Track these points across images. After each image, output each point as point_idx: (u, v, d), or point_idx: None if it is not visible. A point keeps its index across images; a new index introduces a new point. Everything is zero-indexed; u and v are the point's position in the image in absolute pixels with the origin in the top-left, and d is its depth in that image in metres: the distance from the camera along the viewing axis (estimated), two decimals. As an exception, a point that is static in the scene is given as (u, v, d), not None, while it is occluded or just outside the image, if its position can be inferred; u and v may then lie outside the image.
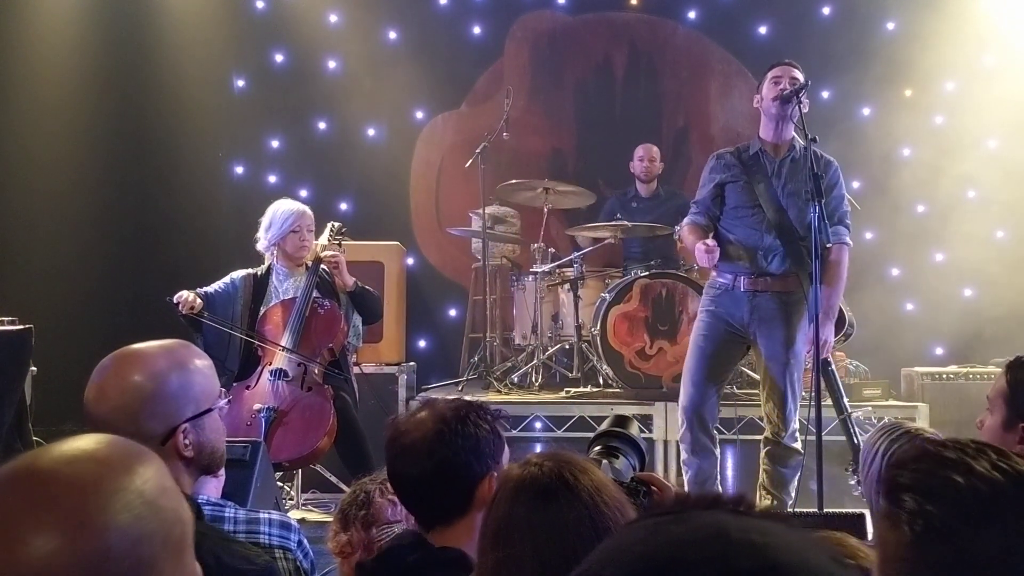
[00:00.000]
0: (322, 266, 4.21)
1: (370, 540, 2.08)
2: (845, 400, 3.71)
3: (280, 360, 4.01)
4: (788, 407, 3.74)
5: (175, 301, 3.96)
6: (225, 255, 6.62)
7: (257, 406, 3.85)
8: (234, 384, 4.03)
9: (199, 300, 3.97)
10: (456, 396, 1.76)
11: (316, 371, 4.05)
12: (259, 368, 4.04)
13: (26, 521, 0.75)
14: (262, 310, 4.16)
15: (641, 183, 5.95)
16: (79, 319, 6.47)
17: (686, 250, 4.13)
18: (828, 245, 3.53)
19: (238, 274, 4.25)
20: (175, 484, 0.88)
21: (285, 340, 4.01)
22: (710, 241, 3.58)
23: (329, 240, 4.30)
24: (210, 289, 4.13)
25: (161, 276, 6.72)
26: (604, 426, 1.85)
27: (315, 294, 4.13)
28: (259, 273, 4.26)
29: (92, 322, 6.50)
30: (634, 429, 1.81)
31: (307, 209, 4.26)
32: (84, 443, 0.86)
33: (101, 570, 0.76)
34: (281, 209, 4.23)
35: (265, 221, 4.25)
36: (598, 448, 1.77)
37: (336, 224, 4.39)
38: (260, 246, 4.28)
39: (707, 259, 3.57)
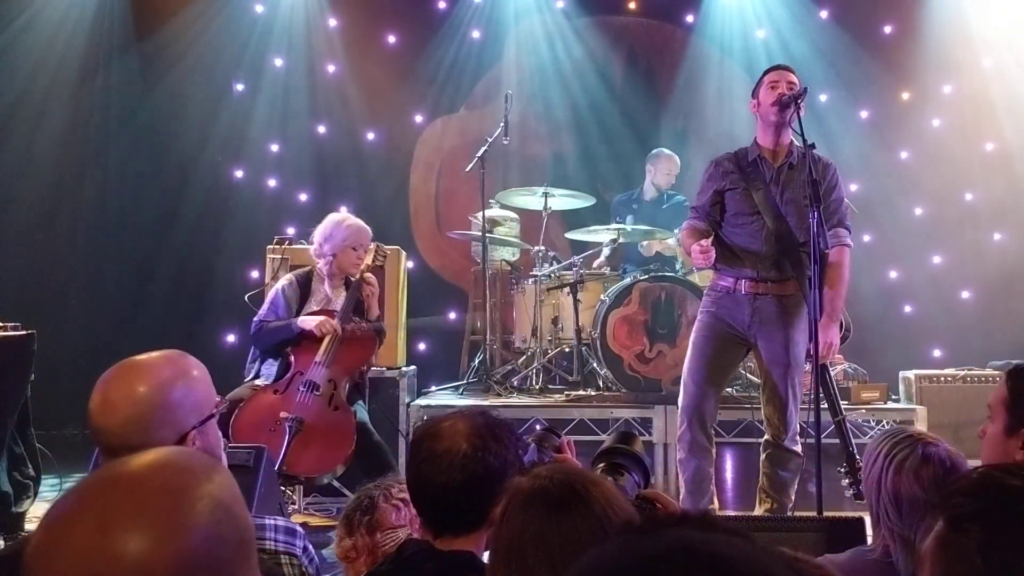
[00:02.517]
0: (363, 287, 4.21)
1: (375, 545, 2.09)
2: (840, 403, 3.73)
3: (313, 372, 3.99)
4: (789, 410, 3.74)
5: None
6: (225, 259, 6.65)
7: (284, 414, 3.83)
8: (262, 384, 4.05)
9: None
10: (485, 410, 1.76)
11: (344, 391, 4.05)
12: (290, 374, 4.04)
13: (123, 523, 0.82)
14: (304, 312, 4.18)
15: (652, 187, 5.94)
16: (79, 324, 6.49)
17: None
18: (826, 250, 3.54)
19: (283, 284, 4.24)
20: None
21: (320, 354, 4.01)
22: (704, 242, 3.58)
23: (373, 260, 4.29)
24: (269, 311, 4.17)
25: (161, 280, 6.76)
26: (608, 443, 1.85)
27: (351, 312, 4.13)
28: (302, 278, 4.27)
29: (92, 327, 6.52)
30: (638, 446, 1.82)
31: (367, 228, 4.28)
32: (166, 454, 0.94)
33: (187, 567, 0.82)
34: (345, 223, 4.23)
35: (324, 230, 4.24)
36: (602, 466, 1.77)
37: (379, 244, 4.38)
38: (313, 252, 4.28)
39: (703, 259, 3.57)
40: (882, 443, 1.90)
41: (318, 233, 4.27)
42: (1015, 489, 1.04)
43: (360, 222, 4.30)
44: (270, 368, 4.16)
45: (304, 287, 4.24)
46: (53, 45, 6.66)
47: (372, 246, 4.32)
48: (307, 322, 4.05)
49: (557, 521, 1.27)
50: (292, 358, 4.09)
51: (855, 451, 3.48)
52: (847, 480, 3.46)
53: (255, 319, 4.20)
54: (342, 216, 4.34)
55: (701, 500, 3.81)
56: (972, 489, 1.07)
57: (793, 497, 3.83)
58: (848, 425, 3.59)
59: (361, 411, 4.12)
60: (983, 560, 0.99)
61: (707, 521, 0.68)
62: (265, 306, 4.23)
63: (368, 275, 4.23)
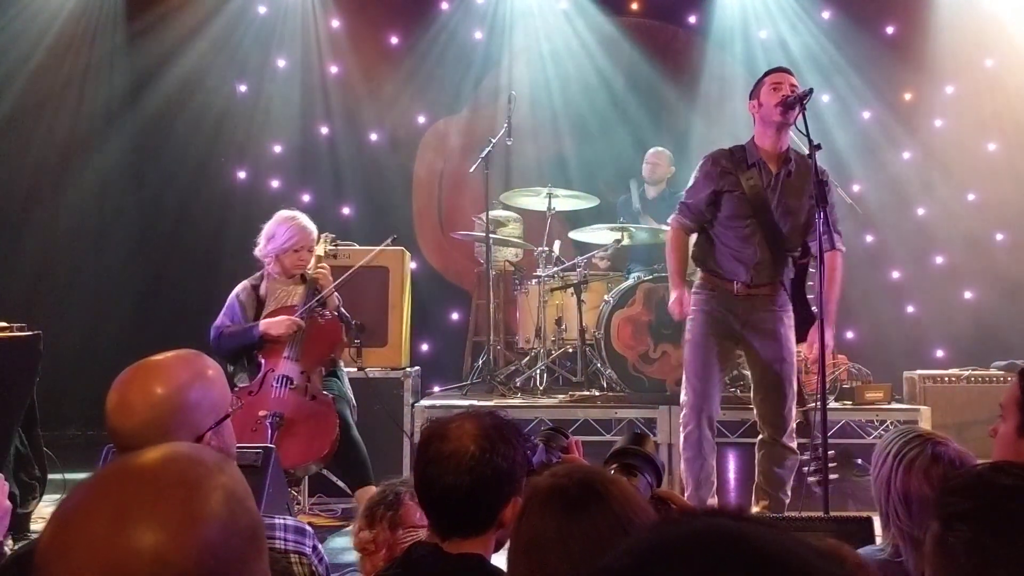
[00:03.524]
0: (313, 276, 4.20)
1: (395, 541, 2.10)
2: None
3: (284, 367, 4.01)
4: (788, 406, 3.78)
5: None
6: (228, 260, 6.64)
7: (262, 412, 3.84)
8: (235, 388, 4.04)
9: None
10: (493, 411, 1.76)
11: (319, 381, 4.07)
12: (261, 373, 4.05)
13: (139, 514, 0.82)
14: (263, 315, 4.17)
15: (649, 185, 5.99)
16: (83, 325, 6.49)
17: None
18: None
19: (237, 290, 4.24)
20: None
21: (287, 349, 4.03)
22: (687, 298, 3.79)
23: (325, 254, 4.27)
24: (226, 317, 4.14)
25: (163, 281, 6.76)
26: (620, 444, 1.85)
27: (315, 305, 4.14)
28: (256, 283, 4.26)
29: (96, 328, 6.52)
30: (650, 447, 1.82)
31: (312, 228, 4.22)
32: (178, 447, 0.94)
33: (204, 558, 0.82)
34: (286, 225, 4.18)
35: (267, 230, 4.21)
36: (615, 466, 1.77)
37: (330, 235, 4.36)
38: (258, 252, 4.27)
39: (678, 313, 3.81)
40: (892, 443, 1.91)
41: (262, 235, 4.22)
42: (1006, 488, 1.04)
43: (305, 223, 4.22)
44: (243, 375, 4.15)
45: (259, 291, 4.23)
46: (45, 45, 6.63)
47: (323, 238, 4.29)
48: (271, 326, 4.03)
49: (576, 520, 1.27)
50: (261, 359, 4.08)
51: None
52: (810, 468, 3.50)
53: (213, 325, 4.15)
54: (288, 215, 4.26)
55: (708, 496, 3.83)
56: (964, 489, 1.07)
57: (790, 493, 3.85)
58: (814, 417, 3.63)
59: (340, 402, 4.10)
60: (967, 558, 1.00)
61: (740, 512, 0.70)
62: (222, 313, 4.20)
63: (319, 269, 4.19)
